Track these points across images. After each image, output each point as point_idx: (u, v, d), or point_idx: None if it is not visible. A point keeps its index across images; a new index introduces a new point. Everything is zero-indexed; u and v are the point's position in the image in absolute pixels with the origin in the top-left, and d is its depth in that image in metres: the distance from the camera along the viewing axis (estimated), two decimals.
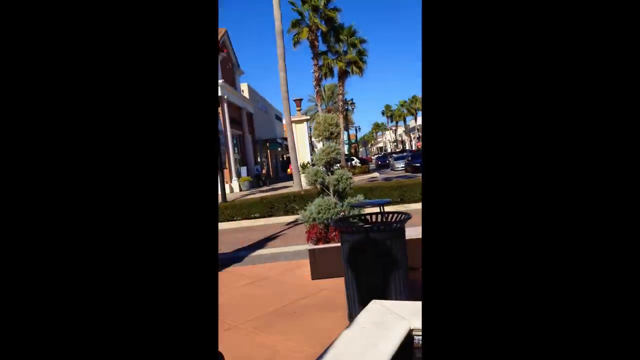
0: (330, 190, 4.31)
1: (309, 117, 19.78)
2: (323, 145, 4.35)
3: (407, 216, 2.68)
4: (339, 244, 4.16)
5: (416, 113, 43.61)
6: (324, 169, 4.33)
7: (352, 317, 2.92)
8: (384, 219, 2.92)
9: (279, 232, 7.56)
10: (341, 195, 4.33)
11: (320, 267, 4.11)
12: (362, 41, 21.68)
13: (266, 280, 4.45)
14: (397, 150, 49.82)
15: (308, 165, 18.03)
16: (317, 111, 23.09)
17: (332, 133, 4.25)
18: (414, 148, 45.25)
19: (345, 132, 28.67)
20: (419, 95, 42.08)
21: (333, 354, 2.32)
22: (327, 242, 4.19)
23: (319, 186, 4.34)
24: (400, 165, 23.80)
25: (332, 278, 4.06)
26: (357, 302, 2.79)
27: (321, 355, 2.33)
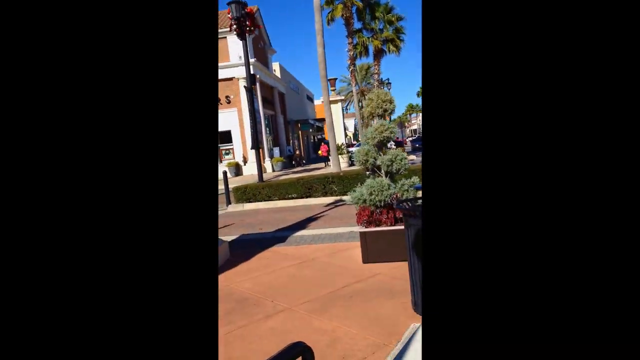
0: (382, 171, 4.10)
1: (343, 97, 19.40)
2: (374, 123, 4.11)
3: None
4: (391, 228, 4.00)
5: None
6: (375, 148, 4.11)
7: (417, 306, 2.76)
8: None
9: (319, 214, 7.44)
10: (393, 176, 4.11)
11: (372, 251, 3.95)
12: (400, 18, 20.86)
13: (313, 261, 4.35)
14: None
15: (342, 146, 17.75)
16: (351, 91, 22.66)
17: (385, 110, 4.01)
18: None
19: None
20: None
21: (415, 349, 2.15)
22: (378, 225, 4.02)
23: (370, 166, 4.13)
24: None
25: (385, 262, 3.90)
26: None
27: (402, 350, 2.18)
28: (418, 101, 60.75)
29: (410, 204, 2.83)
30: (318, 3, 11.91)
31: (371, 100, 4.04)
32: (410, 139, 45.86)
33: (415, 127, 75.38)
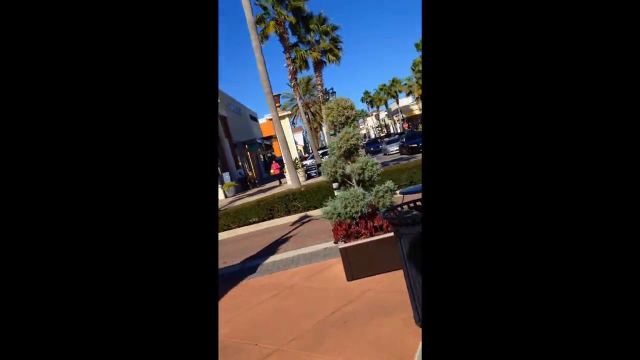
0: (353, 181, 3.89)
1: (290, 112, 19.28)
2: (336, 132, 3.91)
3: None
4: (372, 238, 3.79)
5: (397, 95, 43.44)
6: (342, 157, 3.90)
7: (421, 320, 2.53)
8: None
9: (286, 234, 7.09)
10: (365, 184, 3.91)
11: (355, 267, 3.70)
12: (335, 28, 21.22)
13: (292, 289, 4.01)
14: (382, 134, 49.70)
15: (296, 161, 17.54)
16: (296, 105, 22.59)
17: (348, 117, 3.82)
18: (399, 130, 45.06)
19: (324, 124, 28.28)
20: (400, 77, 41.79)
21: None
22: (358, 238, 3.78)
23: (339, 177, 3.90)
24: (394, 148, 23.54)
25: (371, 276, 3.66)
26: None
27: None
28: (363, 106, 62.26)
29: (396, 213, 2.62)
30: (252, 20, 11.70)
31: (331, 110, 3.84)
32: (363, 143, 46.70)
33: (364, 131, 77.13)
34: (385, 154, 25.25)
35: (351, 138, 3.74)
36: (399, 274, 3.52)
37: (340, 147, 3.78)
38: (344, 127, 3.88)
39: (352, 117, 3.86)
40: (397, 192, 3.97)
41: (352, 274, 3.70)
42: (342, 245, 3.73)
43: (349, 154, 3.89)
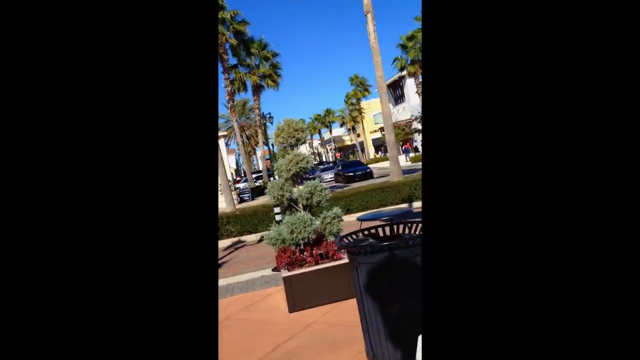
0: (300, 205, 3.74)
1: (226, 133, 18.78)
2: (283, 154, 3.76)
3: None
4: (318, 267, 3.62)
5: (330, 125, 44.70)
6: (290, 181, 3.75)
7: (375, 356, 2.39)
8: (410, 232, 2.46)
9: (220, 260, 6.63)
10: (312, 210, 3.78)
11: (299, 297, 3.48)
12: (275, 54, 21.44)
13: (228, 320, 3.66)
14: (316, 162, 50.56)
15: (230, 183, 16.95)
16: (231, 127, 22.08)
17: (298, 140, 3.70)
18: (331, 159, 46.09)
19: (259, 148, 27.94)
20: (333, 108, 43.14)
21: None
22: (302, 266, 3.60)
23: (286, 201, 3.73)
24: (328, 176, 23.85)
25: (315, 307, 3.47)
26: (383, 338, 2.27)
27: None
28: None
29: (352, 239, 2.51)
30: None
31: (281, 130, 3.70)
32: None
33: None
34: (320, 181, 25.54)
35: (301, 161, 3.62)
36: (346, 304, 3.38)
37: (290, 169, 3.64)
38: (293, 148, 3.76)
39: (303, 140, 3.75)
40: (344, 218, 3.89)
41: (295, 304, 3.48)
42: (285, 273, 3.52)
43: (297, 177, 3.75)
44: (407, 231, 2.51)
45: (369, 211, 7.55)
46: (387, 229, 2.57)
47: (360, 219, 2.58)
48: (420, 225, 2.37)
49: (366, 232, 2.61)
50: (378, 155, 35.90)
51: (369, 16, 10.32)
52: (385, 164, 28.60)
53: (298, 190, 3.70)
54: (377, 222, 2.64)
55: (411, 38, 23.63)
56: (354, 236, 2.63)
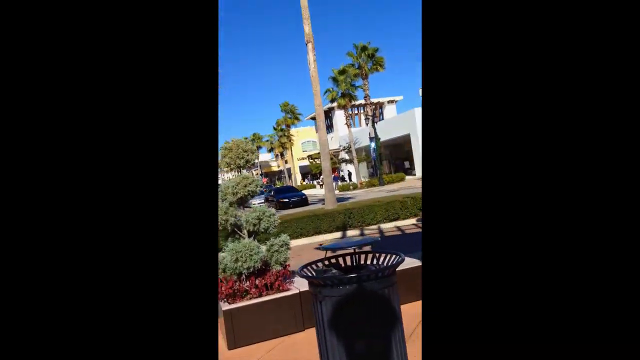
0: (245, 231, 3.48)
1: None
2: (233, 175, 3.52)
3: (401, 258, 2.21)
4: (262, 299, 3.36)
5: (258, 150, 44.36)
6: (235, 205, 3.49)
7: None
8: (377, 263, 2.36)
9: None
10: (258, 236, 3.54)
11: (240, 332, 3.17)
12: None
13: None
14: None
15: None
16: None
17: (247, 161, 3.49)
18: (260, 185, 45.50)
19: None
20: (261, 132, 42.92)
21: None
22: (244, 298, 3.31)
23: (230, 227, 3.45)
24: (258, 201, 23.25)
25: (257, 343, 3.18)
26: None
27: None
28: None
29: (313, 269, 2.35)
30: None
31: (229, 150, 3.46)
32: None
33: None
34: (250, 207, 24.84)
35: (249, 184, 3.40)
36: (293, 339, 3.16)
37: (236, 193, 3.39)
38: (241, 170, 3.53)
39: (252, 161, 3.55)
40: (292, 246, 3.71)
41: (236, 341, 3.16)
42: (226, 307, 3.20)
43: (244, 201, 3.51)
44: (369, 261, 2.43)
45: (331, 239, 7.44)
46: (348, 259, 2.47)
47: (324, 248, 2.44)
48: (388, 256, 2.30)
49: (327, 263, 2.48)
50: (305, 183, 36.26)
51: (310, 45, 10.56)
52: (314, 191, 28.82)
53: (245, 215, 3.46)
54: (340, 251, 2.52)
55: (342, 72, 24.72)
56: (314, 266, 2.48)
